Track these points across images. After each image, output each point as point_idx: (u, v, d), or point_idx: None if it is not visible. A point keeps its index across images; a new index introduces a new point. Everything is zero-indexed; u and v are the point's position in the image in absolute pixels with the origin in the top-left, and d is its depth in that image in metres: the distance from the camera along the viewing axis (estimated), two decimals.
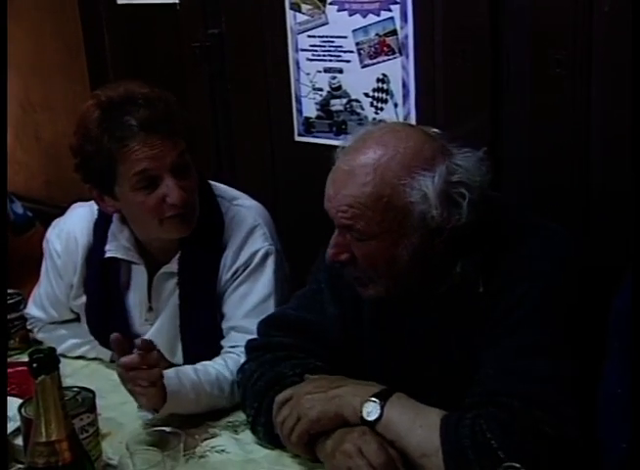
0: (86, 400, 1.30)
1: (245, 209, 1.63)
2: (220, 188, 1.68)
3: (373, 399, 1.23)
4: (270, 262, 1.59)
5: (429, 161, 1.24)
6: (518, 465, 0.91)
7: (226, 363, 1.52)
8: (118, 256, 1.62)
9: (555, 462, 1.13)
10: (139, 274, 1.64)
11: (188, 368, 1.49)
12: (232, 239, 1.59)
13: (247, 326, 1.54)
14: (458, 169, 1.25)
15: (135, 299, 1.66)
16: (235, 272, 1.58)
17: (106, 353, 1.70)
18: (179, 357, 1.63)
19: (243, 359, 1.50)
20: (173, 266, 1.60)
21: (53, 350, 1.07)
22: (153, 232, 1.56)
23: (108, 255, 1.62)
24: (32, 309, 1.79)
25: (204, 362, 1.53)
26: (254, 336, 1.51)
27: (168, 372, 1.44)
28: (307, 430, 1.27)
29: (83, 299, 1.68)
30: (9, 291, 1.79)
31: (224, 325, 1.59)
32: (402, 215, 1.24)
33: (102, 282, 1.64)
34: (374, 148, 1.26)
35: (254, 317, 1.53)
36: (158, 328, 1.65)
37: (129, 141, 1.44)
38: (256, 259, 1.58)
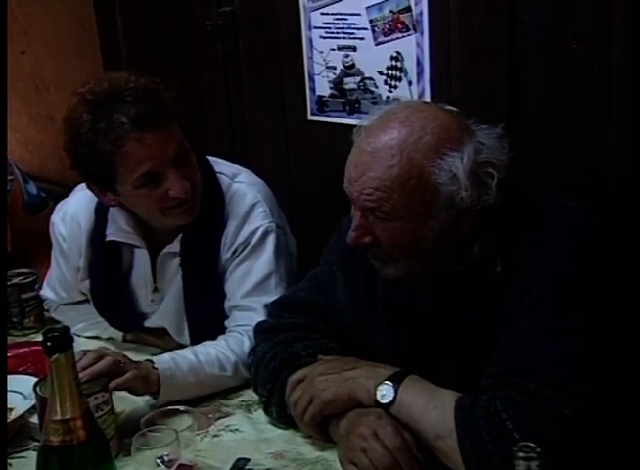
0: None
1: (245, 185, 1.61)
2: (221, 164, 1.65)
3: (387, 381, 1.23)
4: (270, 240, 1.58)
5: (456, 140, 1.22)
6: (533, 444, 0.90)
7: (227, 343, 1.52)
8: (118, 239, 1.61)
9: (574, 444, 1.12)
10: (141, 256, 1.64)
11: (187, 351, 1.49)
12: (232, 217, 1.58)
13: (248, 305, 1.55)
14: (484, 148, 1.23)
15: (139, 280, 1.66)
16: (235, 251, 1.58)
17: (118, 333, 1.72)
18: (186, 337, 1.64)
19: (245, 338, 1.51)
20: (176, 246, 1.59)
21: (67, 328, 1.07)
22: (156, 220, 1.56)
23: (108, 238, 1.61)
24: (46, 291, 1.81)
25: (205, 342, 1.53)
26: (257, 314, 1.52)
27: (163, 358, 1.44)
28: (320, 411, 1.27)
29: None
30: (23, 271, 1.80)
31: (226, 305, 1.59)
32: (430, 197, 1.21)
33: (105, 265, 1.64)
34: (398, 128, 1.22)
35: (255, 296, 1.54)
36: (164, 309, 1.65)
37: (124, 140, 1.41)
38: (256, 238, 1.57)
